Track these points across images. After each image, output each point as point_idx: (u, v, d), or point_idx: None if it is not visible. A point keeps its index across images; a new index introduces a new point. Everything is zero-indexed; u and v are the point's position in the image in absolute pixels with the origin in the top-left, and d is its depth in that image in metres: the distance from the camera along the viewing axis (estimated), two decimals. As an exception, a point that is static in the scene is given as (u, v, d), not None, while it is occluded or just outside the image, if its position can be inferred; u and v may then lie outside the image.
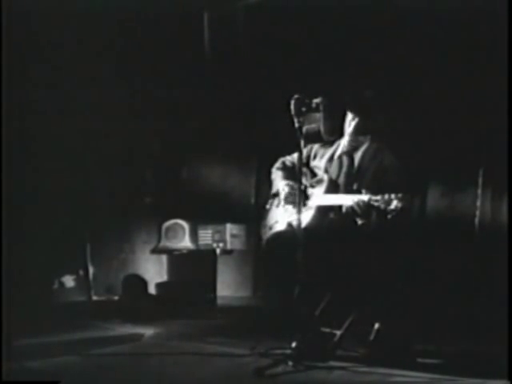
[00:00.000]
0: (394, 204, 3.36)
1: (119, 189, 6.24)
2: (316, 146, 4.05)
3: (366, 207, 3.46)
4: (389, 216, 3.40)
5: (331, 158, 3.90)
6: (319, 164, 3.93)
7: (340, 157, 3.87)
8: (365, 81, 4.94)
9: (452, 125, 5.03)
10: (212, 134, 6.31)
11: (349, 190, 3.70)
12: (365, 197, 3.47)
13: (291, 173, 3.98)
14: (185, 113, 6.37)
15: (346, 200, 3.57)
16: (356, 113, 3.79)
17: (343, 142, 3.89)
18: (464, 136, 5.01)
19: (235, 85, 6.11)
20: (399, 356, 3.54)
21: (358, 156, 3.84)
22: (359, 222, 3.59)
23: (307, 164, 3.99)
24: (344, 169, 3.84)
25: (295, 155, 3.73)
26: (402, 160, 3.77)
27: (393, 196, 3.37)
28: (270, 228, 3.98)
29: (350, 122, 3.84)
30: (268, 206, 4.10)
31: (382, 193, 3.40)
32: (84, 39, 5.84)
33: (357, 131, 3.81)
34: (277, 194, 4.03)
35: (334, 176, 3.85)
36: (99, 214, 6.09)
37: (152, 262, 6.53)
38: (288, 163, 4.09)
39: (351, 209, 3.53)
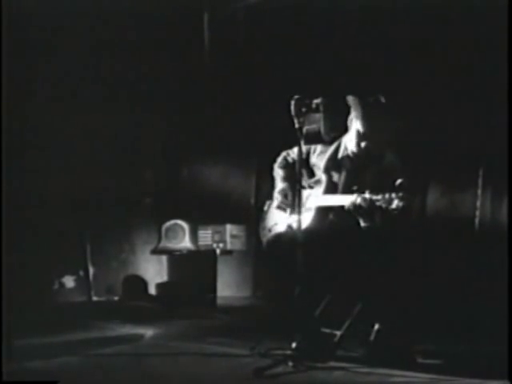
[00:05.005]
0: (396, 203, 3.35)
1: (119, 189, 6.25)
2: None
3: (368, 207, 3.46)
4: (390, 215, 3.40)
5: (331, 158, 3.89)
6: (319, 163, 3.91)
7: (340, 157, 3.86)
8: (365, 81, 4.95)
9: (452, 125, 5.03)
10: (212, 134, 6.31)
11: (348, 191, 3.69)
12: (366, 196, 3.47)
13: (291, 172, 3.97)
14: (185, 113, 6.37)
15: (347, 200, 3.56)
16: (371, 131, 3.73)
17: (343, 144, 3.87)
18: (464, 136, 5.02)
19: (235, 85, 6.11)
20: (399, 356, 3.53)
21: (357, 157, 3.82)
22: (362, 223, 3.58)
23: (307, 160, 3.97)
24: (343, 169, 3.82)
25: (296, 149, 3.69)
26: (402, 160, 3.77)
27: (394, 195, 3.37)
28: (270, 230, 3.98)
29: (359, 138, 3.76)
30: (266, 208, 4.10)
31: (383, 192, 3.40)
32: (84, 39, 5.84)
33: (367, 147, 3.77)
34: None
35: (333, 176, 3.84)
36: (99, 214, 6.09)
37: (152, 263, 6.54)
38: (290, 159, 4.06)
39: (353, 208, 3.52)
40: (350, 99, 3.75)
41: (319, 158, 3.92)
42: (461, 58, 4.99)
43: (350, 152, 3.82)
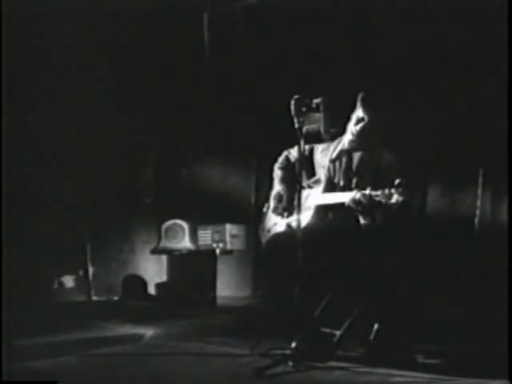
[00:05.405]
0: (395, 198, 3.35)
1: (119, 189, 6.24)
2: None
3: (367, 202, 3.45)
4: (390, 211, 3.40)
5: (332, 155, 3.88)
6: (323, 160, 3.90)
7: (339, 155, 3.86)
8: (364, 80, 4.95)
9: (452, 124, 5.03)
10: (212, 134, 6.31)
11: (348, 187, 3.70)
12: (365, 192, 3.46)
13: (289, 174, 3.97)
14: (185, 113, 6.37)
15: (346, 197, 3.56)
16: (370, 114, 3.73)
17: (344, 140, 3.87)
18: (464, 136, 5.02)
19: (235, 85, 6.12)
20: (399, 356, 3.53)
21: (357, 155, 3.82)
22: (361, 220, 3.58)
23: (311, 158, 3.96)
24: (343, 168, 3.83)
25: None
26: (401, 160, 3.77)
27: (393, 190, 3.37)
28: (269, 231, 3.98)
29: (358, 122, 3.77)
30: (265, 210, 4.11)
31: (383, 188, 3.40)
32: (84, 39, 5.84)
33: (363, 132, 3.76)
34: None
35: (332, 175, 3.84)
36: (99, 213, 6.09)
37: (152, 262, 6.54)
38: (292, 158, 4.06)
39: (352, 204, 3.51)
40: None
41: (323, 154, 3.92)
42: (461, 57, 4.99)
43: (348, 144, 3.81)
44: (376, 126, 3.73)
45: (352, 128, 3.77)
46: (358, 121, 3.74)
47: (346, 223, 3.65)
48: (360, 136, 3.75)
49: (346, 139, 3.83)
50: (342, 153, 3.85)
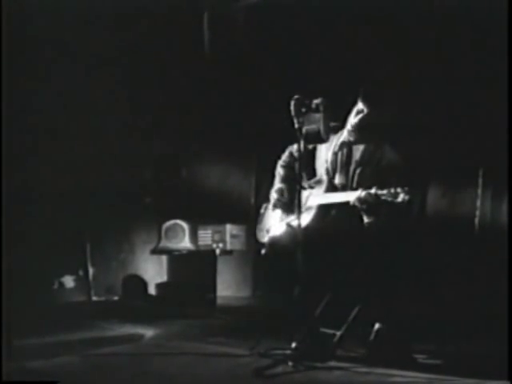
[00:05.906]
0: (401, 197, 3.36)
1: (119, 189, 6.24)
2: None
3: (373, 201, 3.45)
4: (395, 210, 3.40)
5: (336, 149, 3.89)
6: (326, 155, 3.90)
7: (341, 148, 3.85)
8: (365, 80, 4.95)
9: (452, 124, 5.03)
10: (212, 133, 6.31)
11: (348, 186, 3.70)
12: (371, 191, 3.46)
13: (292, 172, 3.96)
14: (185, 113, 6.37)
15: (351, 196, 3.56)
16: (370, 106, 3.72)
17: (345, 132, 3.87)
18: (464, 136, 5.02)
19: (235, 85, 6.11)
20: (399, 356, 3.53)
21: (356, 148, 3.82)
22: (365, 219, 3.58)
23: (313, 154, 3.97)
24: (344, 160, 3.82)
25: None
26: (401, 159, 3.76)
27: (399, 189, 3.37)
28: (268, 231, 3.98)
29: (357, 114, 3.77)
30: (263, 211, 4.10)
31: (388, 187, 3.40)
32: (84, 39, 5.84)
33: (362, 123, 3.76)
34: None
35: (333, 169, 3.83)
36: (99, 213, 6.09)
37: (152, 263, 6.53)
38: (295, 154, 4.02)
39: (358, 203, 3.50)
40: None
41: (326, 149, 3.93)
42: (461, 58, 4.99)
43: (347, 136, 3.81)
44: (375, 119, 3.73)
45: (351, 120, 3.79)
46: (358, 112, 3.76)
47: (349, 222, 3.65)
48: (359, 127, 3.76)
49: (346, 131, 3.84)
50: (343, 145, 3.86)
